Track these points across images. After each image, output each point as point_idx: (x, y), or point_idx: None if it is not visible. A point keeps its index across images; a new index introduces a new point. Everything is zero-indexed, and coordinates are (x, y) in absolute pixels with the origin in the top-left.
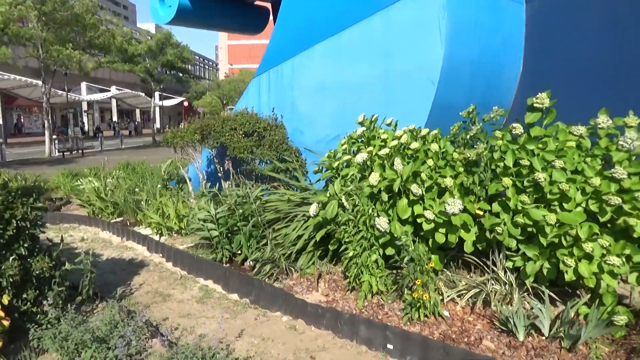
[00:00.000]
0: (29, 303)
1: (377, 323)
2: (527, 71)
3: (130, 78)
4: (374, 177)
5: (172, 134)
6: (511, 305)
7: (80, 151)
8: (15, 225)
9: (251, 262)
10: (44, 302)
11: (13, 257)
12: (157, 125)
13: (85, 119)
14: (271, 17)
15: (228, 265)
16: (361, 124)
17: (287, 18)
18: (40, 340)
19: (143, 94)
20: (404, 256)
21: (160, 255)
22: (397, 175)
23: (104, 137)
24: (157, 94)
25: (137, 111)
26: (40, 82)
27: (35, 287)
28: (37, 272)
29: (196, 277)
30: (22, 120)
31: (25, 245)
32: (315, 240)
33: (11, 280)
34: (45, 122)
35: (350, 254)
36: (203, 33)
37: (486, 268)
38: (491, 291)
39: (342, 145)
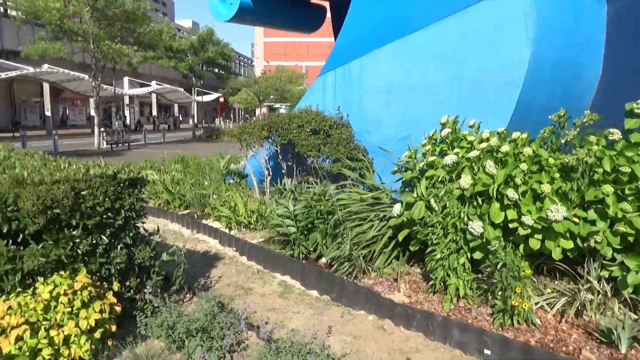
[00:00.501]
0: (132, 290)
1: (472, 327)
2: (607, 72)
3: (169, 74)
4: (466, 180)
5: (241, 130)
6: (604, 315)
7: (127, 144)
8: (123, 215)
9: (325, 260)
10: (145, 290)
11: (120, 245)
12: (195, 120)
13: (127, 113)
14: (328, 15)
15: (304, 262)
16: (444, 125)
17: (357, 18)
18: (147, 327)
19: (182, 90)
20: (497, 262)
21: (234, 249)
22: (491, 179)
23: (145, 130)
24: (194, 89)
25: (176, 106)
26: (86, 76)
27: (136, 275)
28: (139, 261)
29: (272, 272)
30: (67, 112)
31: (131, 234)
32: (398, 241)
33: (118, 268)
34: (95, 115)
35: (438, 256)
36: (239, 30)
37: (577, 276)
38: (585, 300)
39: (424, 146)
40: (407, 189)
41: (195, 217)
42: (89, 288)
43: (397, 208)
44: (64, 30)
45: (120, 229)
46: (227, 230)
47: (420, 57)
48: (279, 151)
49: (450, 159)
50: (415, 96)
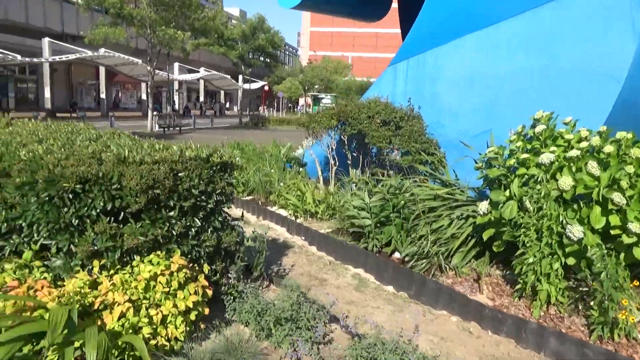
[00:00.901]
0: (217, 274)
1: (570, 337)
2: None
3: (216, 60)
4: (566, 182)
5: (310, 118)
6: None
7: (178, 128)
8: (214, 199)
9: (400, 255)
10: (230, 275)
11: (210, 229)
12: (240, 107)
13: (176, 98)
14: (394, 5)
15: (377, 255)
16: (537, 120)
17: (435, 8)
18: (236, 312)
19: (229, 77)
20: (599, 270)
21: (303, 238)
22: (595, 182)
23: (191, 116)
24: (240, 76)
25: (222, 93)
26: (140, 61)
27: (222, 259)
28: (225, 245)
29: (344, 264)
30: (119, 95)
31: (220, 218)
32: (476, 240)
33: (207, 251)
34: (150, 99)
35: (530, 259)
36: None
37: None
38: None
39: (512, 142)
40: (488, 187)
41: (260, 203)
42: (184, 270)
43: (483, 206)
44: (123, 15)
45: (211, 212)
46: (293, 219)
47: (507, 47)
48: (345, 141)
49: (547, 157)
50: (499, 89)
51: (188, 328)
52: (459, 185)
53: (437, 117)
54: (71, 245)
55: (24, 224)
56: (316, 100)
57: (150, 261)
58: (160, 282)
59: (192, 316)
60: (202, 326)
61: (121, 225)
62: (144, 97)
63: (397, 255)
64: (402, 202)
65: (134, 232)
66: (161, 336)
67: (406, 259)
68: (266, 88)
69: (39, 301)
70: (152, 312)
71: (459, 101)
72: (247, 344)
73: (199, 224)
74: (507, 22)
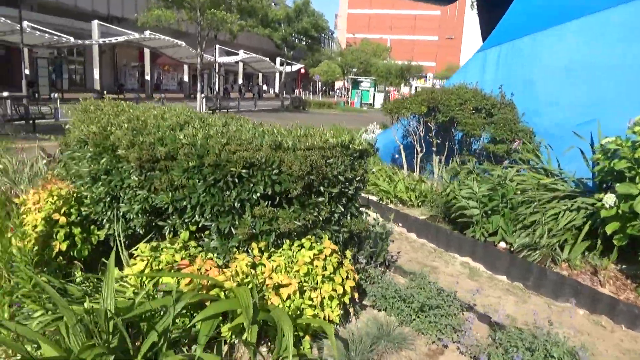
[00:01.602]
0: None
1: None
2: None
3: (253, 42)
4: None
5: (397, 103)
6: None
7: (225, 110)
8: (355, 185)
9: (505, 244)
10: (360, 260)
11: (348, 215)
12: (276, 90)
13: (216, 80)
14: None
15: (485, 244)
16: None
17: None
18: (376, 297)
19: (268, 59)
20: None
21: (400, 224)
22: None
23: (231, 98)
24: (278, 59)
25: (260, 75)
26: (183, 43)
27: (355, 245)
28: (357, 231)
29: (448, 251)
30: (161, 77)
31: (356, 205)
32: (595, 232)
33: (344, 237)
34: (198, 81)
35: None
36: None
37: None
38: None
39: (635, 132)
40: (608, 180)
41: None
42: (335, 254)
43: (610, 199)
44: None
45: (350, 198)
46: (383, 204)
47: (619, 35)
48: (432, 128)
49: None
50: (604, 80)
51: (342, 311)
52: (562, 175)
53: (532, 106)
54: (231, 228)
55: (188, 206)
56: (355, 84)
57: (301, 245)
58: (317, 266)
59: (346, 299)
60: (352, 310)
61: (276, 210)
62: (185, 79)
63: (502, 244)
64: (511, 191)
65: (289, 217)
66: (320, 318)
67: (512, 248)
68: (302, 71)
69: (216, 280)
70: (313, 294)
71: (557, 90)
72: (396, 328)
73: (341, 209)
74: (617, 9)
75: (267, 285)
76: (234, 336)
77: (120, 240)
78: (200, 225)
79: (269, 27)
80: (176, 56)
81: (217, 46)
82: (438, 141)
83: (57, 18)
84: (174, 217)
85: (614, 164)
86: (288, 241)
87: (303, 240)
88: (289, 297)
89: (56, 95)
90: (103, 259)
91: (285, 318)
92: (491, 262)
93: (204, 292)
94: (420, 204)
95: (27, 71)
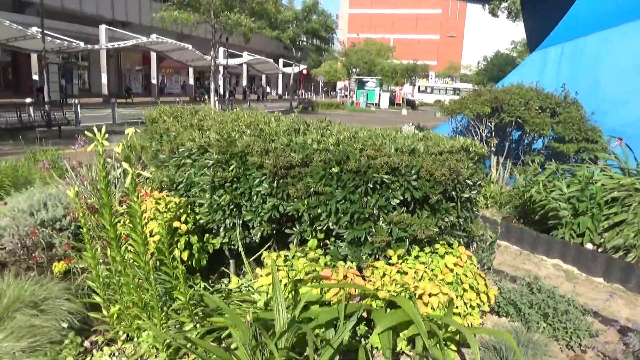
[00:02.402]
0: None
1: None
2: None
3: (258, 44)
4: None
5: (459, 104)
6: None
7: None
8: (476, 189)
9: (591, 245)
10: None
11: (470, 219)
12: (279, 91)
13: (220, 83)
14: None
15: (574, 246)
16: None
17: None
18: (500, 304)
19: (271, 61)
20: None
21: None
22: None
23: (237, 100)
24: (281, 60)
25: (263, 77)
26: (189, 46)
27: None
28: (476, 236)
29: (534, 254)
30: (164, 81)
31: (475, 209)
32: None
33: (464, 241)
34: (212, 84)
35: None
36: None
37: None
38: None
39: None
40: None
41: None
42: (469, 260)
43: None
44: (188, 2)
45: (474, 203)
46: None
47: None
48: (492, 128)
49: None
50: None
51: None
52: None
53: (598, 105)
54: (367, 235)
55: (323, 213)
56: (361, 84)
57: (432, 251)
58: (462, 274)
59: (486, 307)
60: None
61: (411, 216)
62: (190, 81)
63: (589, 246)
64: (600, 192)
65: (425, 223)
66: (464, 324)
67: (599, 249)
68: (304, 72)
69: (366, 288)
70: (458, 302)
71: (626, 90)
72: (525, 334)
73: (467, 214)
74: None
75: (415, 294)
76: (408, 347)
77: (242, 249)
78: (326, 233)
79: (277, 29)
80: (181, 59)
81: (221, 48)
82: (496, 141)
83: (64, 23)
84: (302, 224)
85: None
86: (417, 247)
87: (437, 246)
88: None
89: (76, 100)
90: (223, 269)
91: (436, 327)
92: (585, 264)
93: (346, 302)
94: (489, 205)
95: (36, 77)
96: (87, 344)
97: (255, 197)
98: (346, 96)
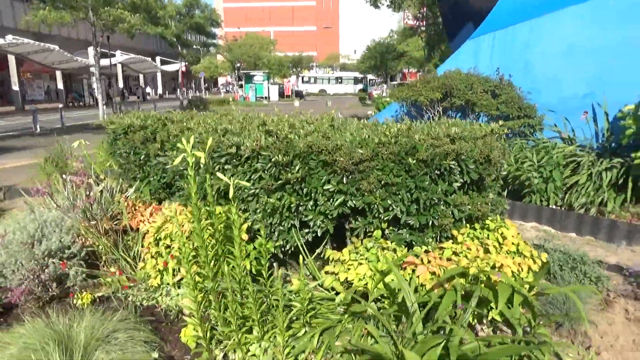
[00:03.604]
0: None
1: None
2: None
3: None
4: None
5: (412, 91)
6: None
7: None
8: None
9: (554, 206)
10: None
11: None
12: (159, 90)
13: (95, 85)
14: None
15: (547, 208)
16: None
17: None
18: None
19: (149, 59)
20: None
21: None
22: None
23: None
24: (158, 58)
25: (141, 77)
26: (56, 47)
27: None
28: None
29: (512, 219)
30: (25, 87)
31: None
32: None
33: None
34: (97, 87)
35: None
36: None
37: None
38: None
39: None
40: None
41: None
42: (514, 230)
43: None
44: None
45: (499, 179)
46: None
47: (618, 17)
48: (441, 111)
49: None
50: (606, 57)
51: None
52: (580, 143)
53: (531, 85)
54: (434, 220)
55: (391, 204)
56: (248, 78)
57: (482, 226)
58: (520, 243)
59: (536, 268)
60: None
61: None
62: (59, 86)
63: (553, 207)
64: (561, 160)
65: (477, 201)
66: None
67: (562, 209)
68: (183, 69)
69: (460, 268)
70: (521, 269)
71: (557, 70)
72: None
73: (499, 190)
74: None
75: (495, 266)
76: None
77: (304, 249)
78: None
79: (159, 25)
80: (46, 62)
81: (91, 48)
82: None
83: None
84: (367, 217)
85: None
86: (468, 225)
87: (487, 222)
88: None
89: None
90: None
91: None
92: (558, 223)
93: (444, 284)
94: None
95: None
96: None
97: (319, 196)
98: (229, 91)
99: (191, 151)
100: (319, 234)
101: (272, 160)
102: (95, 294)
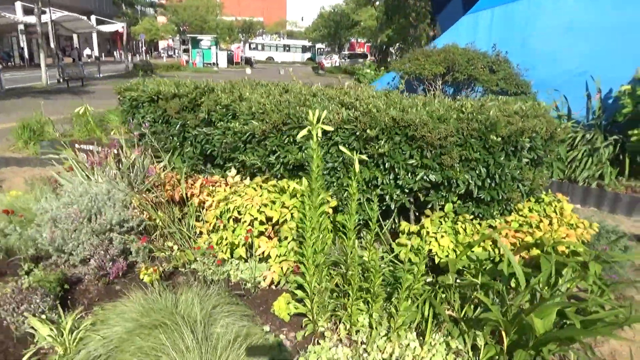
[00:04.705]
0: None
1: None
2: None
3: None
4: None
5: (416, 66)
6: None
7: (81, 80)
8: None
9: (557, 179)
10: None
11: None
12: (95, 52)
13: (24, 44)
14: None
15: None
16: None
17: None
18: None
19: (85, 18)
20: None
21: None
22: None
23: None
24: (93, 17)
25: (75, 37)
26: None
27: None
28: None
29: None
30: None
31: None
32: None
33: None
34: (41, 47)
35: None
36: None
37: None
38: None
39: None
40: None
41: None
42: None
43: None
44: None
45: None
46: None
47: (613, 0)
48: (440, 85)
49: None
50: (603, 36)
51: None
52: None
53: (528, 61)
54: (503, 194)
55: (469, 178)
56: (195, 43)
57: (538, 201)
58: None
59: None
60: None
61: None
62: None
63: (554, 179)
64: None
65: (538, 176)
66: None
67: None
68: (121, 30)
69: (546, 237)
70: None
71: (554, 47)
72: None
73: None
74: None
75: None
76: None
77: (380, 222)
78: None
79: None
80: None
81: (19, 3)
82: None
83: None
84: (440, 191)
85: None
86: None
87: (542, 196)
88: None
89: None
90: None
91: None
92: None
93: (522, 254)
94: None
95: None
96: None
97: (401, 170)
98: (171, 56)
99: (316, 124)
100: (392, 208)
101: (357, 134)
102: (163, 269)
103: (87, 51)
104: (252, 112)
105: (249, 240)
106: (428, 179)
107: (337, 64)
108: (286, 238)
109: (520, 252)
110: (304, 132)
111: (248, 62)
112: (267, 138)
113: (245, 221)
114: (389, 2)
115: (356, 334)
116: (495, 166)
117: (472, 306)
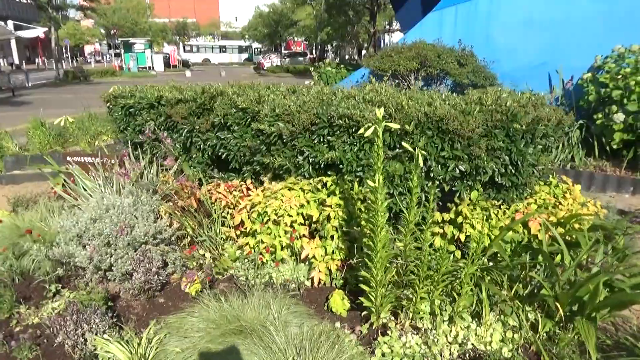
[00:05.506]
0: None
1: None
2: None
3: None
4: None
5: (390, 62)
6: None
7: (12, 90)
8: None
9: None
10: None
11: None
12: (16, 60)
13: None
14: None
15: None
16: (629, 52)
17: None
18: None
19: (2, 23)
20: None
21: None
22: None
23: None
24: (10, 22)
25: None
26: None
27: None
28: None
29: None
30: None
31: None
32: (600, 142)
33: None
34: None
35: None
36: None
37: None
38: None
39: (619, 62)
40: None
41: None
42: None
43: (620, 116)
44: None
45: None
46: None
47: None
48: (411, 79)
49: None
50: (559, 29)
51: None
52: None
53: (491, 55)
54: (522, 179)
55: (496, 168)
56: (127, 46)
57: (547, 183)
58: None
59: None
60: None
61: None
62: None
63: None
64: None
65: (547, 161)
66: None
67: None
68: (42, 36)
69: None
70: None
71: (515, 41)
72: None
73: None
74: None
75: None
76: None
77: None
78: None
79: None
80: None
81: None
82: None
83: None
84: (466, 180)
85: (612, 92)
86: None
87: (550, 179)
88: None
89: None
90: None
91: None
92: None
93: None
94: None
95: None
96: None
97: (433, 162)
98: (99, 61)
99: (382, 122)
100: (423, 199)
101: (392, 130)
102: (200, 278)
103: (9, 59)
104: (277, 114)
105: (294, 241)
106: (458, 169)
107: (277, 64)
108: (332, 237)
109: (547, 232)
110: (370, 130)
111: (186, 64)
112: (296, 139)
113: (286, 223)
114: (330, 1)
115: (420, 320)
116: (517, 153)
117: (520, 285)
